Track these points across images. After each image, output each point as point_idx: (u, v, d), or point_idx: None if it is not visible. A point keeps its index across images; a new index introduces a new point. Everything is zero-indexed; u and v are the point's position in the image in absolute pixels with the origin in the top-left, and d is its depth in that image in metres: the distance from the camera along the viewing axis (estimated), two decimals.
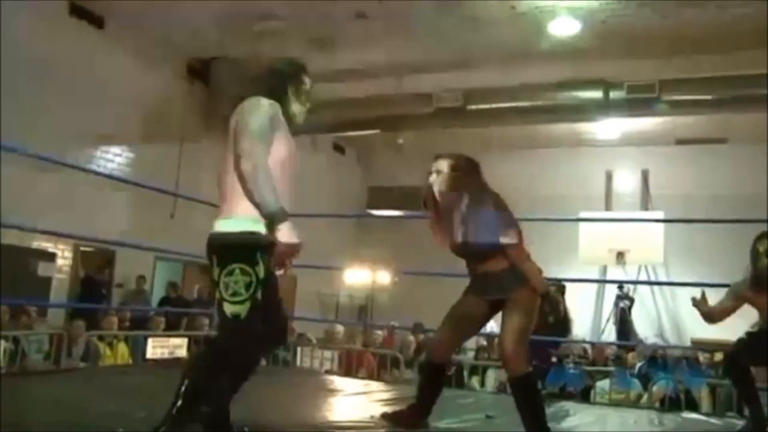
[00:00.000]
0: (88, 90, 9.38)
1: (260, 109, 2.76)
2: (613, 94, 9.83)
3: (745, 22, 8.78)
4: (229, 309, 2.66)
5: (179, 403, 2.59)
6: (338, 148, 15.58)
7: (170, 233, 9.51)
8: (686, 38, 9.22)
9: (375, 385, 5.35)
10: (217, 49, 11.01)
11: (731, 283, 4.22)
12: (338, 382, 5.31)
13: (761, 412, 3.92)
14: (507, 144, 14.15)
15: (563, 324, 5.41)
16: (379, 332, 10.01)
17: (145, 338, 7.70)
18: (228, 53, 11.11)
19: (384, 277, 13.97)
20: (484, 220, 3.28)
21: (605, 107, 10.10)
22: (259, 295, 2.68)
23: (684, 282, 9.19)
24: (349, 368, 7.88)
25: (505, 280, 3.27)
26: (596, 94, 9.92)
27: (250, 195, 2.64)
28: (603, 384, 7.38)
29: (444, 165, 3.47)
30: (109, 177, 8.07)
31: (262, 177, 2.61)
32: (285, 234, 2.61)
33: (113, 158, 10.22)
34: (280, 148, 2.76)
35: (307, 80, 3.04)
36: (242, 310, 2.66)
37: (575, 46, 9.47)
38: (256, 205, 2.64)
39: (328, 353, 8.03)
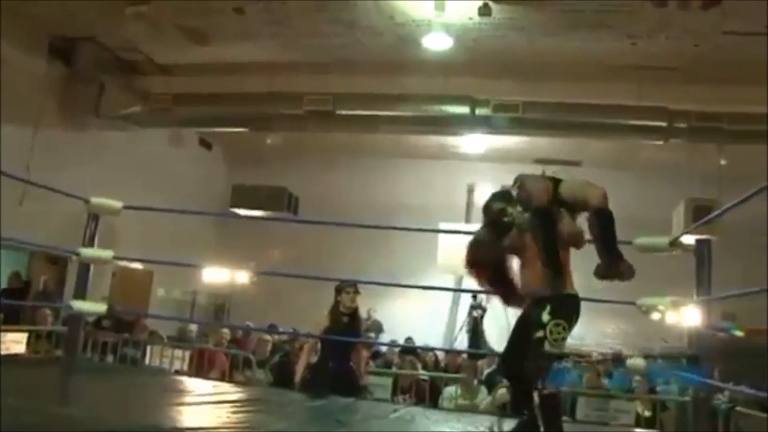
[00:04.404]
0: None
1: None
2: (479, 111, 10.17)
3: (604, 56, 9.40)
4: None
5: None
6: (205, 144, 15.18)
7: (17, 221, 8.95)
8: (550, 64, 9.72)
9: (224, 387, 5.24)
10: (83, 28, 10.42)
11: None
12: (186, 382, 5.17)
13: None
14: (375, 151, 14.32)
15: (356, 325, 5.86)
16: (226, 330, 9.80)
17: None
18: (96, 35, 10.59)
19: (243, 277, 13.79)
20: None
21: (471, 123, 10.44)
22: None
23: None
24: (200, 368, 7.71)
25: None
26: (463, 109, 10.22)
27: None
28: (451, 390, 7.62)
29: None
30: None
31: None
32: None
33: None
34: None
35: None
36: None
37: (447, 61, 9.71)
38: None
39: (179, 352, 7.82)
